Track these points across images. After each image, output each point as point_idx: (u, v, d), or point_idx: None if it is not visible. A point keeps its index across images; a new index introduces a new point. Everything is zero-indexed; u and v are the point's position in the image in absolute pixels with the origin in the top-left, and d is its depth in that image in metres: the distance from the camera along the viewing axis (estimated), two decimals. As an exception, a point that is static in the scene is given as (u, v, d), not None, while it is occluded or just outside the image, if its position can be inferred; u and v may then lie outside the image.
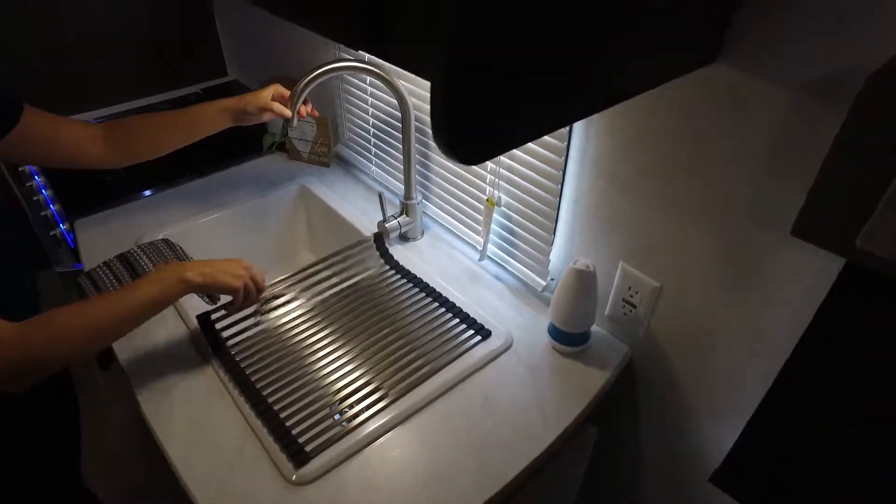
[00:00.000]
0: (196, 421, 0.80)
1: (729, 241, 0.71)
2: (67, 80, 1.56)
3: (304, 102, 1.02)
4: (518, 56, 0.39)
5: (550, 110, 0.46)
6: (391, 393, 0.83)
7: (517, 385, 0.85)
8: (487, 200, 1.00)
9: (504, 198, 0.98)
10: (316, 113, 1.11)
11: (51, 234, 1.25)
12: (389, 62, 0.47)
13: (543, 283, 0.98)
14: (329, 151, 1.36)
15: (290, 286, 1.03)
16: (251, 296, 0.86)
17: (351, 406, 0.81)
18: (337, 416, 0.79)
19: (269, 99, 1.04)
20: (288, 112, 1.03)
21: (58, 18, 1.49)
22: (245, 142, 1.46)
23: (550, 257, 0.96)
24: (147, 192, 1.29)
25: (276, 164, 1.40)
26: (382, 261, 1.09)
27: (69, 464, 1.06)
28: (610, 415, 1.01)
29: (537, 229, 0.95)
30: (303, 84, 0.94)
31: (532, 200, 0.93)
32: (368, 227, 1.16)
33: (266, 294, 0.93)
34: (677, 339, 0.84)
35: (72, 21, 1.51)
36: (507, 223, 1.01)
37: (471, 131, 0.41)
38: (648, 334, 0.88)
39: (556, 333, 0.89)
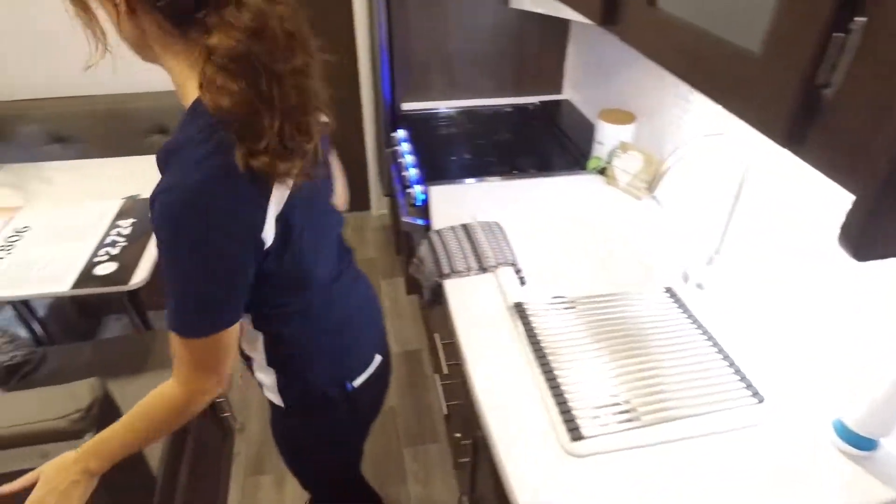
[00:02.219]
0: (503, 380, 0.99)
1: None
2: (448, 73, 1.92)
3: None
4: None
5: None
6: (646, 413, 0.92)
7: (780, 464, 0.88)
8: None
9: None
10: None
11: (406, 190, 1.58)
12: (807, 162, 0.56)
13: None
14: (646, 187, 1.47)
15: (589, 304, 1.17)
16: None
17: (624, 411, 0.93)
18: (615, 412, 0.92)
19: None
20: None
21: (453, 27, 1.85)
22: (572, 157, 1.65)
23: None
24: (473, 179, 1.56)
25: (592, 184, 1.56)
26: (673, 301, 1.18)
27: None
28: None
29: None
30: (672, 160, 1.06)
31: None
32: (663, 264, 1.25)
33: None
34: None
35: (463, 31, 1.86)
36: (817, 309, 1.01)
37: (880, 238, 0.49)
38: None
39: (845, 433, 0.88)
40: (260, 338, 0.91)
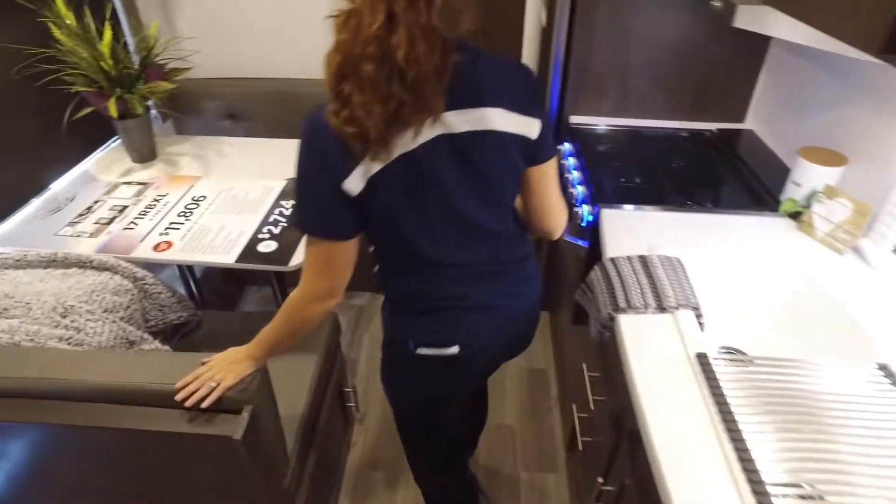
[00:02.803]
0: (683, 440, 0.89)
1: None
2: (622, 88, 1.82)
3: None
4: None
5: None
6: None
7: None
8: None
9: None
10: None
11: (572, 209, 1.50)
12: None
13: None
14: (850, 241, 1.29)
15: (775, 366, 1.03)
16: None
17: (807, 496, 0.79)
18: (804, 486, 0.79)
19: None
20: None
21: (637, 40, 1.74)
22: (755, 195, 1.49)
23: None
24: (648, 206, 1.44)
25: (781, 228, 1.39)
26: (890, 381, 1.01)
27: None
28: None
29: None
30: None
31: None
32: (873, 334, 1.08)
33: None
34: None
35: (646, 45, 1.74)
36: None
37: None
38: None
39: None
40: (377, 266, 1.09)
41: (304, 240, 0.96)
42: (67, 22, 1.68)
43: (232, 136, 2.52)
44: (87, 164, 1.95)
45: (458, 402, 1.30)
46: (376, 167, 0.86)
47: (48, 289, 1.32)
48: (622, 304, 1.09)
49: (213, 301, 2.24)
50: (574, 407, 1.55)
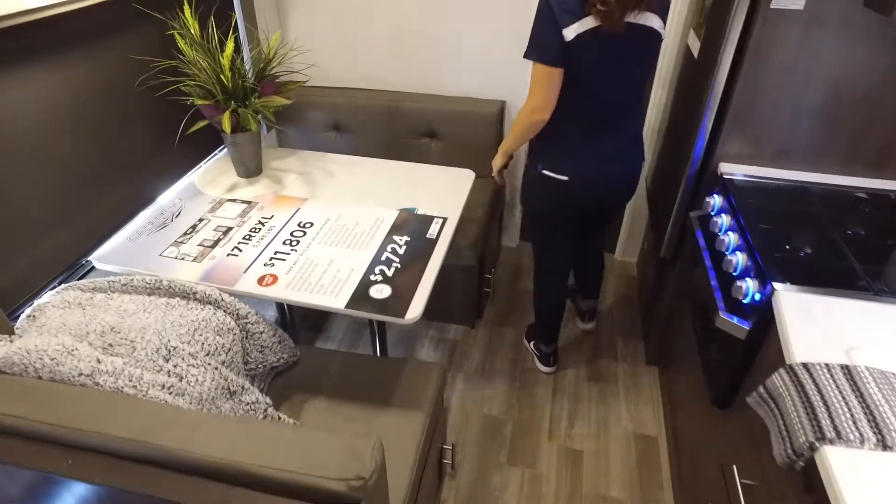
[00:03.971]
0: None
1: None
2: (788, 134, 1.57)
3: None
4: None
5: None
6: None
7: None
8: None
9: None
10: None
11: (735, 283, 1.28)
12: None
13: None
14: None
15: None
16: None
17: None
18: None
19: None
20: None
21: (813, 78, 1.48)
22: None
23: None
24: (816, 288, 1.19)
25: None
26: None
27: None
28: None
29: None
30: None
31: None
32: None
33: None
34: None
35: (823, 83, 1.48)
36: None
37: None
38: None
39: None
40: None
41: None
42: (192, 32, 1.61)
43: (335, 147, 2.44)
44: (193, 176, 1.89)
45: (567, 229, 1.79)
46: (587, 27, 1.37)
47: (151, 324, 1.23)
48: (828, 432, 0.87)
49: (299, 323, 2.15)
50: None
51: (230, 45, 1.59)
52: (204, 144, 1.95)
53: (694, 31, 1.87)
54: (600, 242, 2.11)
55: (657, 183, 2.20)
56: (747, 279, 1.27)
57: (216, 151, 2.02)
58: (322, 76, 2.48)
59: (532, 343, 2.20)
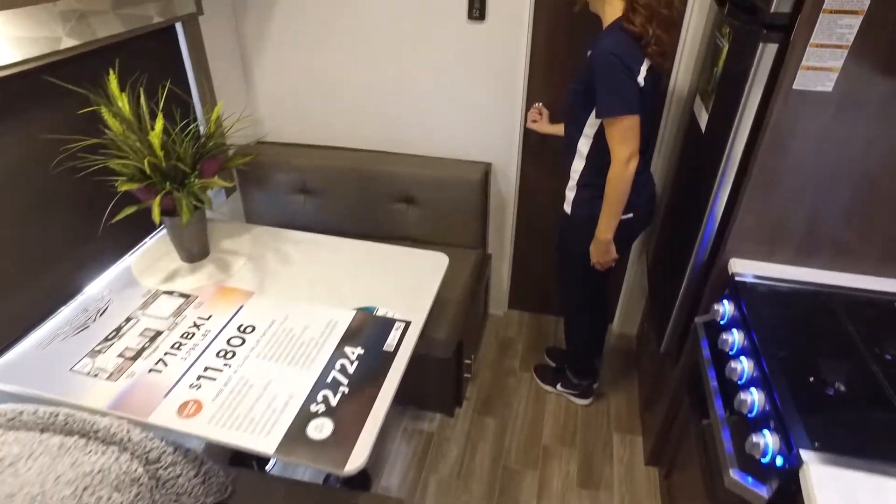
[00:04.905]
0: None
1: None
2: (810, 226, 1.34)
3: None
4: None
5: None
6: None
7: None
8: None
9: None
10: None
11: (751, 435, 1.04)
12: None
13: None
14: None
15: None
16: None
17: None
18: None
19: None
20: None
21: (845, 162, 1.25)
22: None
23: None
24: (858, 461, 0.95)
25: None
26: None
27: None
28: None
29: None
30: None
31: None
32: None
33: None
34: None
35: (855, 164, 1.25)
36: None
37: None
38: None
39: None
40: (583, 164, 1.63)
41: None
42: (119, 106, 1.40)
43: (304, 211, 2.23)
44: (129, 259, 1.67)
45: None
46: (647, 69, 1.44)
47: (31, 478, 1.00)
48: None
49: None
50: None
51: (160, 123, 1.38)
52: (143, 223, 1.72)
53: (700, 99, 1.64)
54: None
55: (658, 263, 1.96)
56: (765, 432, 1.02)
57: (158, 231, 1.80)
58: (294, 133, 2.27)
59: (561, 385, 2.21)
